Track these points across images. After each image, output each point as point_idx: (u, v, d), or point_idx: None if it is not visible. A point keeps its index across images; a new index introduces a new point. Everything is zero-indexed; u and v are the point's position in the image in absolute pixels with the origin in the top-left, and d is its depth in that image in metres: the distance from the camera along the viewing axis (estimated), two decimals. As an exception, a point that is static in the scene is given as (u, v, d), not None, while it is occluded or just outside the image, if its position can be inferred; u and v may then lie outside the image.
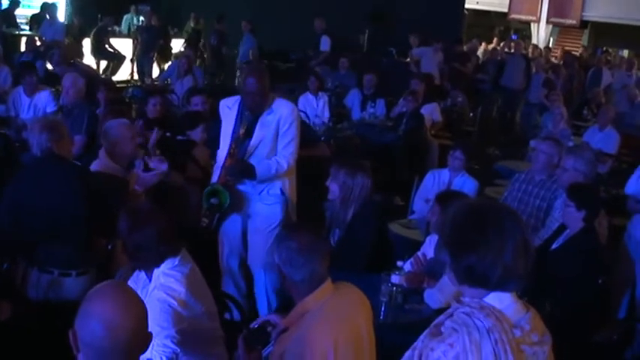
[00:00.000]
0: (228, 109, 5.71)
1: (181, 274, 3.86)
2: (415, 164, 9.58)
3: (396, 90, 11.84)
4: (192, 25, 18.12)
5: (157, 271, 3.87)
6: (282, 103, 5.69)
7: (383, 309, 4.52)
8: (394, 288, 4.58)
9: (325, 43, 15.22)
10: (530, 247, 2.48)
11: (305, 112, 10.07)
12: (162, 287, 3.80)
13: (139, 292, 3.67)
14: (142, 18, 18.89)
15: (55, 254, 4.65)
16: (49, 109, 8.86)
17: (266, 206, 5.74)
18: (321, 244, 3.49)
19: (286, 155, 5.62)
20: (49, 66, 13.42)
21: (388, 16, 16.92)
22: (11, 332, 4.40)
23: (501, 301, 2.43)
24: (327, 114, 10.71)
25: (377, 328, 3.61)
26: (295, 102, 10.71)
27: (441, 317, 2.52)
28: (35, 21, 16.87)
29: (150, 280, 3.91)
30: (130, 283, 3.93)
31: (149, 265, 3.90)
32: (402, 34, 15.96)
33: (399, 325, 4.47)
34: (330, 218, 5.57)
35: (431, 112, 10.96)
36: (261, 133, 5.56)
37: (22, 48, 14.45)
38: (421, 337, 2.53)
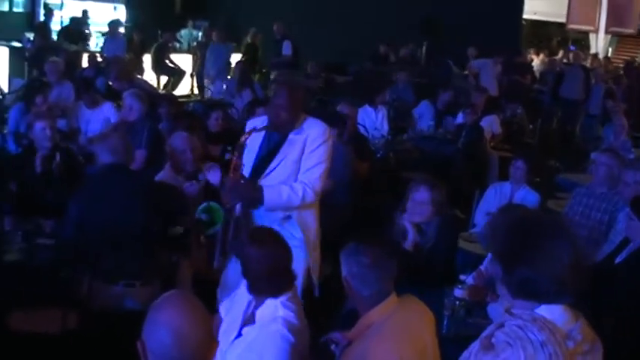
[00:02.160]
0: (253, 127, 4.90)
1: (297, 307, 3.65)
2: (475, 177, 9.52)
3: (455, 103, 11.77)
4: (249, 40, 18.25)
5: (271, 302, 3.60)
6: (314, 123, 4.91)
7: (445, 323, 4.48)
8: (457, 302, 4.55)
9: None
10: (584, 259, 2.45)
11: (364, 126, 10.07)
12: (282, 321, 3.51)
13: (230, 318, 3.72)
14: (199, 33, 19.10)
15: (119, 265, 4.70)
16: (113, 120, 9.01)
17: None
18: (391, 260, 3.49)
19: (308, 182, 4.74)
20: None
21: (445, 28, 16.88)
22: (77, 343, 4.47)
23: (552, 312, 2.40)
24: (386, 127, 10.69)
25: (439, 341, 3.59)
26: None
27: (491, 328, 2.50)
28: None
29: (251, 309, 3.70)
30: (223, 309, 3.91)
31: (267, 292, 3.63)
32: (459, 46, 15.91)
33: (462, 339, 4.43)
34: (398, 230, 5.43)
35: (490, 124, 10.88)
36: (284, 153, 4.78)
37: (84, 64, 14.75)
38: (471, 349, 2.51)
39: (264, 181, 4.70)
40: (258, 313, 3.62)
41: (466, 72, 15.69)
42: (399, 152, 10.02)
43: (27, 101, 9.14)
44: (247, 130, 4.90)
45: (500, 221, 2.57)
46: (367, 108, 10.90)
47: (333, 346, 3.46)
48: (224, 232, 4.59)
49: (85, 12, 17.64)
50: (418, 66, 16.80)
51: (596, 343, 2.49)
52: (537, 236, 2.41)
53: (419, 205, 5.19)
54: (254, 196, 4.61)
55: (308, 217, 4.88)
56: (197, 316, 2.49)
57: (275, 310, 3.56)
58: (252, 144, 4.83)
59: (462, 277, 4.70)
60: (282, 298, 3.58)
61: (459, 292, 4.56)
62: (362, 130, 10.11)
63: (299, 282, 4.36)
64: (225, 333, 3.69)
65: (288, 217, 4.73)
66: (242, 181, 4.64)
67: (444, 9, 17.31)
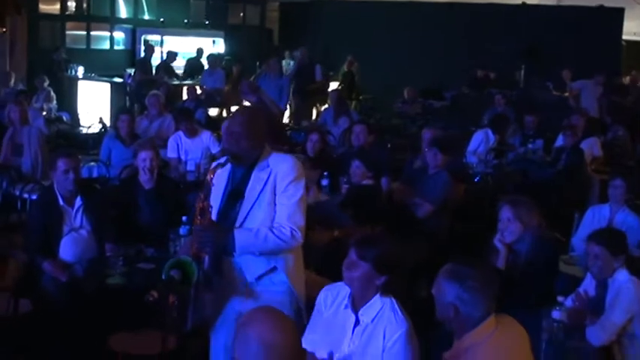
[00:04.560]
0: (221, 168, 4.31)
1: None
2: (576, 200, 9.33)
3: (554, 125, 11.62)
4: (345, 68, 18.39)
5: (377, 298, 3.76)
6: (281, 158, 4.35)
7: (544, 345, 4.43)
8: (555, 324, 4.48)
9: (318, 73, 15.04)
10: None
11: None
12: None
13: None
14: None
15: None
16: (213, 150, 9.22)
17: (270, 300, 4.08)
18: (495, 280, 3.48)
19: (294, 224, 4.16)
20: (211, 112, 14.02)
21: (544, 50, 16.68)
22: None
23: None
24: (481, 149, 10.64)
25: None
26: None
27: None
28: (190, 65, 17.68)
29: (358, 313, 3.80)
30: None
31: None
32: (559, 68, 15.69)
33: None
34: (492, 252, 5.41)
35: (591, 146, 10.65)
36: (252, 194, 4.22)
37: (184, 96, 15.15)
38: None
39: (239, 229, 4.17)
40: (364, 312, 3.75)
41: (566, 94, 15.45)
42: (500, 176, 9.94)
43: (116, 128, 9.49)
44: (212, 168, 4.34)
45: None
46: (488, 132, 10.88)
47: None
48: (196, 288, 4.07)
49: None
50: (517, 88, 16.64)
51: None
52: None
53: (505, 224, 5.16)
54: (223, 241, 4.09)
55: (294, 261, 4.33)
56: (284, 326, 2.56)
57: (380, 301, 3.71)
58: (218, 184, 4.29)
59: (560, 298, 4.63)
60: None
61: (557, 314, 4.51)
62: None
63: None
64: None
65: (274, 269, 4.24)
66: (210, 225, 4.14)
67: (542, 32, 17.14)
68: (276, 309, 2.74)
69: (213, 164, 4.37)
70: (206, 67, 17.01)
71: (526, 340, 3.49)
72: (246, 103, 9.48)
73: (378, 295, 3.75)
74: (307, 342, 3.91)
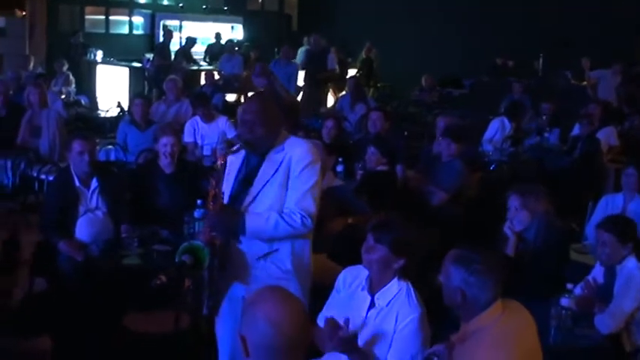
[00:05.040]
0: (234, 156, 4.27)
1: None
2: (591, 189, 9.32)
3: (572, 114, 11.59)
4: (363, 55, 18.37)
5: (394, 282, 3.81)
6: (297, 142, 4.29)
7: (552, 332, 4.45)
8: (564, 311, 4.50)
9: (332, 62, 14.97)
10: None
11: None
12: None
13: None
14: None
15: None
16: (229, 135, 9.27)
17: (269, 282, 3.92)
18: (501, 265, 3.52)
19: (304, 210, 4.10)
20: (228, 98, 14.05)
21: (563, 39, 16.59)
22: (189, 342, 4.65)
23: None
24: (498, 137, 10.65)
25: (546, 351, 3.58)
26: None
27: None
28: (209, 50, 17.73)
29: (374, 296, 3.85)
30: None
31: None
32: (577, 57, 15.61)
33: (569, 350, 4.40)
34: (502, 239, 5.45)
35: (607, 136, 10.61)
36: (264, 175, 4.16)
37: (202, 82, 15.20)
38: None
39: (249, 209, 4.13)
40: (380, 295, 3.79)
41: (584, 83, 15.38)
42: (515, 164, 9.94)
43: (131, 113, 9.56)
44: (223, 154, 4.30)
45: None
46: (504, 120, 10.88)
47: (435, 359, 3.47)
48: (210, 271, 4.08)
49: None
50: (535, 77, 16.59)
51: None
52: None
53: (514, 212, 5.20)
54: (234, 224, 4.08)
55: (301, 246, 4.27)
56: (292, 305, 2.61)
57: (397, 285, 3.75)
58: (231, 169, 4.28)
59: (569, 286, 4.65)
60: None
61: (565, 302, 4.52)
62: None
63: None
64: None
65: (275, 251, 4.18)
66: (221, 210, 4.10)
67: (563, 20, 17.06)
68: (284, 288, 2.78)
69: (222, 150, 4.33)
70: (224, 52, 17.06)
71: (532, 325, 3.52)
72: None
73: (395, 279, 3.79)
74: (322, 320, 3.98)
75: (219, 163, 4.15)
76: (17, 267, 4.73)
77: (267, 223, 4.05)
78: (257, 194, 4.15)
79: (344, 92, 15.55)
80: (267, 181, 4.14)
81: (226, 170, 4.25)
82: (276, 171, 4.15)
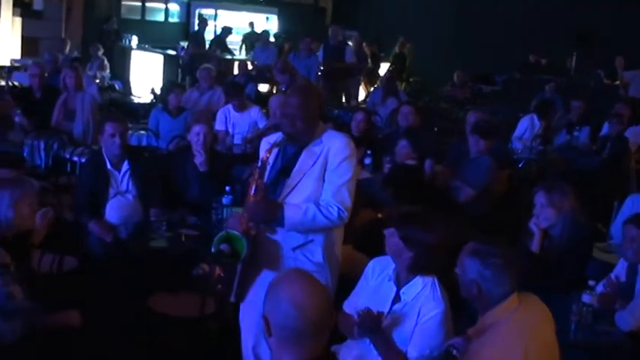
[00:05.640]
0: (269, 145, 4.31)
1: None
2: (618, 189, 9.28)
3: (602, 113, 11.53)
4: (397, 49, 18.37)
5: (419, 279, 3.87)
6: (335, 135, 4.34)
7: (573, 328, 4.47)
8: (585, 307, 4.52)
9: (349, 55, 14.88)
10: None
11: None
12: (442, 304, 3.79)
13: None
14: (349, 43, 19.36)
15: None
16: (260, 125, 9.36)
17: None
18: (518, 258, 3.56)
19: (341, 202, 4.15)
20: (260, 88, 14.13)
21: (596, 38, 16.49)
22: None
23: None
24: (527, 135, 10.63)
25: (566, 347, 3.61)
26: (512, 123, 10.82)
27: None
28: (247, 39, 17.80)
29: (400, 290, 3.92)
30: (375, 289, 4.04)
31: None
32: (611, 56, 15.50)
33: (589, 347, 4.42)
34: (528, 236, 5.46)
35: (635, 135, 10.55)
36: (302, 167, 4.22)
37: (235, 71, 15.29)
38: None
39: (285, 200, 4.19)
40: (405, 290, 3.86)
41: (617, 82, 15.28)
42: (544, 162, 9.92)
43: (163, 101, 9.66)
44: (262, 147, 4.45)
45: None
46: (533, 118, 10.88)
47: (454, 352, 3.51)
48: (243, 262, 4.12)
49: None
50: (567, 75, 16.51)
51: None
52: None
53: (540, 209, 5.21)
54: (273, 215, 4.12)
55: (334, 238, 4.33)
56: (316, 287, 2.67)
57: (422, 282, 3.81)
58: (262, 157, 4.30)
59: (591, 283, 4.67)
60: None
61: (587, 298, 4.53)
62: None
63: None
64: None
65: (310, 241, 4.24)
66: (262, 201, 4.14)
67: (596, 19, 16.94)
68: (309, 272, 2.83)
69: (266, 141, 4.44)
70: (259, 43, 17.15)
71: (549, 318, 3.55)
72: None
73: (419, 276, 3.86)
74: (349, 305, 4.06)
75: (264, 156, 4.20)
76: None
77: (305, 216, 4.09)
78: (295, 186, 4.20)
79: (376, 86, 15.61)
80: (305, 173, 4.20)
81: (269, 165, 4.31)
82: (314, 163, 4.20)
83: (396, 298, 3.90)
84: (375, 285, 4.03)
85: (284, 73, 10.62)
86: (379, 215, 6.62)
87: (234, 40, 18.69)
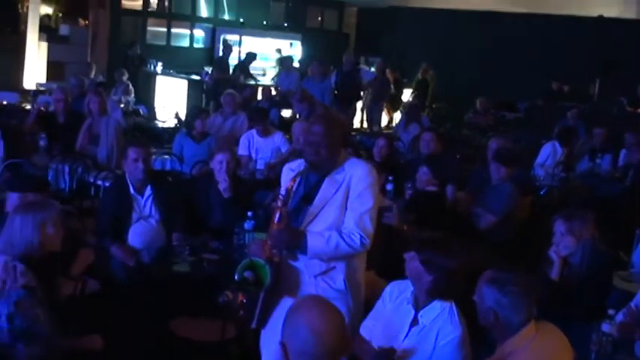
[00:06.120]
0: (292, 171, 4.36)
1: None
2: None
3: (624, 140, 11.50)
4: (419, 76, 18.44)
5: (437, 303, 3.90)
6: (357, 163, 4.36)
7: (593, 358, 4.45)
8: (604, 337, 4.51)
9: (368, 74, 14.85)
10: None
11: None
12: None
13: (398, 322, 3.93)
14: (372, 69, 19.44)
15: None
16: (283, 150, 9.41)
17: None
18: (536, 286, 3.57)
19: (363, 230, 4.15)
20: (284, 113, 14.20)
21: (619, 65, 16.47)
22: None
23: None
24: (549, 162, 10.62)
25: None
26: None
27: None
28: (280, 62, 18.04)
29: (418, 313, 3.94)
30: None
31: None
32: (633, 83, 15.49)
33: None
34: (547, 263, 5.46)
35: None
36: (325, 195, 4.22)
37: (259, 97, 15.38)
38: None
39: (308, 228, 4.19)
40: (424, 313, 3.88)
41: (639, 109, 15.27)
42: (566, 189, 9.89)
43: (188, 126, 9.72)
44: (284, 174, 4.48)
45: None
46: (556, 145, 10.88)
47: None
48: (266, 290, 4.09)
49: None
50: (590, 102, 16.48)
51: None
52: None
53: (560, 237, 5.21)
54: (296, 243, 4.13)
55: (355, 265, 4.34)
56: (332, 314, 2.71)
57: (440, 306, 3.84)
58: (286, 185, 4.29)
59: (611, 312, 4.66)
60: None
61: (606, 327, 4.52)
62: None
63: None
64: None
65: (332, 268, 4.25)
66: (285, 229, 4.13)
67: (619, 46, 16.95)
68: (327, 299, 2.87)
69: (288, 168, 4.48)
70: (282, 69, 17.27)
71: (567, 347, 3.56)
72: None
73: (437, 300, 3.87)
74: (365, 329, 4.08)
75: (290, 184, 4.21)
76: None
77: (328, 244, 4.11)
78: (317, 214, 4.21)
79: (398, 112, 15.67)
80: (328, 201, 4.21)
81: (282, 184, 4.38)
82: (336, 191, 4.22)
83: (414, 321, 3.91)
84: (393, 308, 4.05)
85: (302, 102, 10.70)
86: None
87: (258, 66, 18.83)
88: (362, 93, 15.93)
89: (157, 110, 16.44)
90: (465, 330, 3.80)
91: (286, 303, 4.01)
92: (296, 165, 4.42)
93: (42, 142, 8.94)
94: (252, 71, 17.81)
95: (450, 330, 3.78)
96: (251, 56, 17.64)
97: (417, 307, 3.94)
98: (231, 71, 17.04)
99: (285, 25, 22.14)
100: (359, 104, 17.25)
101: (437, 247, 3.88)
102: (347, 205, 4.21)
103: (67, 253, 4.89)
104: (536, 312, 3.56)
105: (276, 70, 18.84)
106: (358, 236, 4.14)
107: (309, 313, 2.66)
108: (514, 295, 3.44)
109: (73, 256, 5.13)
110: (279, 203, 4.16)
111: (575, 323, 4.40)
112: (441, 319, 3.83)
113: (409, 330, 3.90)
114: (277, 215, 4.13)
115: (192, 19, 20.72)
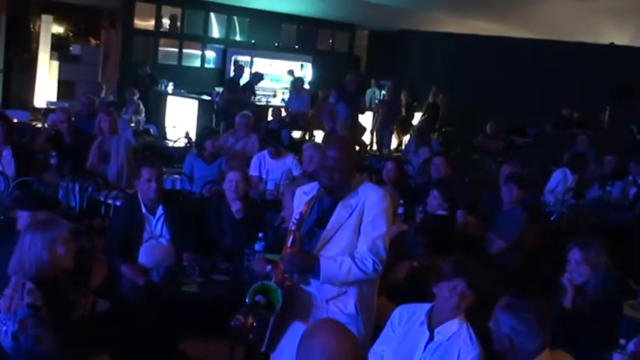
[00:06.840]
0: (305, 194, 4.37)
1: None
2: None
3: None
4: (430, 99, 18.48)
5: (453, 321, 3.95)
6: (371, 187, 4.34)
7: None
8: (616, 367, 4.49)
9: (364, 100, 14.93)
10: None
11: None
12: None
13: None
14: (383, 92, 19.47)
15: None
16: (294, 172, 9.41)
17: None
18: (550, 313, 3.56)
19: (376, 255, 4.13)
20: (294, 135, 14.22)
21: (630, 92, 16.47)
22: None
23: None
24: (560, 188, 10.60)
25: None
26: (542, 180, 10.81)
27: None
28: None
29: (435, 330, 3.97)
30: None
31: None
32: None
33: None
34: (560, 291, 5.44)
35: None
36: (338, 219, 4.20)
37: (269, 117, 15.42)
38: None
39: (321, 252, 4.16)
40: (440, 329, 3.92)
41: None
42: (575, 216, 9.86)
43: (198, 147, 9.74)
44: (297, 197, 4.48)
45: None
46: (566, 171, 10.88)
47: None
48: (276, 313, 4.08)
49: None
50: (600, 129, 16.47)
51: None
52: None
53: (574, 265, 5.18)
54: (309, 268, 4.11)
55: (367, 290, 4.30)
56: (347, 338, 2.70)
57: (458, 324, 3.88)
58: (301, 208, 4.27)
59: (622, 341, 4.64)
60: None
61: (618, 357, 4.51)
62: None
63: None
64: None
65: (344, 293, 4.21)
66: (299, 254, 4.12)
67: (630, 73, 16.95)
68: (340, 322, 2.86)
69: (300, 190, 4.47)
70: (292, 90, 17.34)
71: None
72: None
73: (457, 319, 3.91)
74: (374, 355, 4.07)
75: (304, 209, 4.19)
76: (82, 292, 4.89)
77: (340, 269, 4.08)
78: (330, 238, 4.18)
79: (408, 136, 15.69)
80: (341, 226, 4.18)
81: (295, 207, 4.38)
82: (350, 215, 4.19)
83: (430, 339, 3.93)
84: (404, 331, 4.06)
85: (330, 120, 10.81)
86: (415, 265, 6.61)
87: (268, 87, 18.88)
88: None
89: (167, 130, 16.46)
90: (482, 351, 3.80)
91: (297, 327, 4.09)
92: (309, 188, 4.39)
93: (53, 161, 8.96)
94: (261, 92, 17.84)
95: (470, 348, 3.81)
96: (258, 76, 17.67)
97: (431, 326, 3.96)
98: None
99: (296, 47, 22.22)
100: (368, 126, 17.35)
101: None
102: (360, 230, 4.18)
103: (80, 270, 4.89)
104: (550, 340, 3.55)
105: (288, 91, 18.90)
106: (371, 261, 4.11)
107: (323, 336, 2.65)
108: (530, 322, 3.43)
109: (87, 272, 5.10)
110: (293, 227, 4.14)
111: (587, 353, 4.38)
112: (460, 338, 3.85)
113: (425, 347, 3.93)
114: (290, 239, 4.12)
115: (204, 40, 20.81)
